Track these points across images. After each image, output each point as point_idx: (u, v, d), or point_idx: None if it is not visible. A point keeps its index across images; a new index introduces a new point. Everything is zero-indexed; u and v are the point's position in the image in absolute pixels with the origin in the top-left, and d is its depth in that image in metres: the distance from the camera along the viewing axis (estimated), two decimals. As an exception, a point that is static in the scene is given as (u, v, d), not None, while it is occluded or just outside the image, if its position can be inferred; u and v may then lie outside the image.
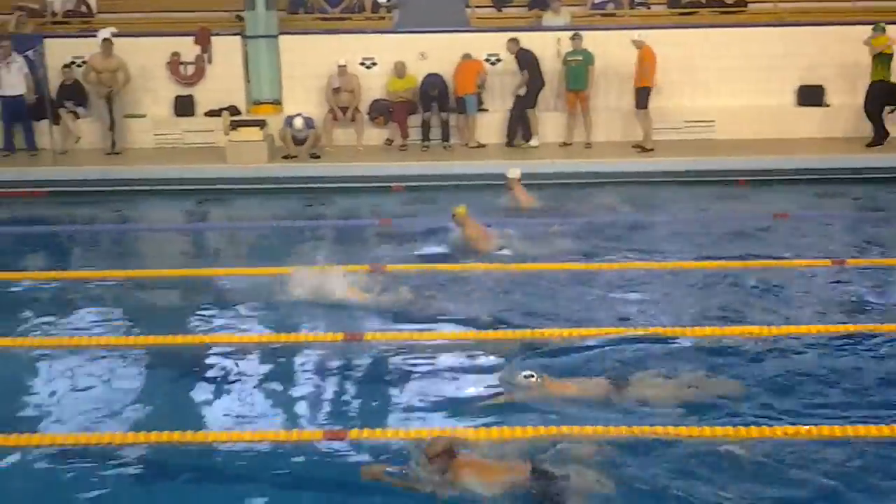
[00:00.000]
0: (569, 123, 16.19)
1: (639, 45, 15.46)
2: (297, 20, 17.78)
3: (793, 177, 14.64)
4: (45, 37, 16.41)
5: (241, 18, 16.96)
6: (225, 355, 8.30)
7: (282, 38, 16.71)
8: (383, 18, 18.06)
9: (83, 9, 18.02)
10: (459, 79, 16.03)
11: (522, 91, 16.00)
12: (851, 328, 8.55)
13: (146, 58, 16.50)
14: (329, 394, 7.64)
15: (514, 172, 12.92)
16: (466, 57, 16.11)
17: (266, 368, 8.11)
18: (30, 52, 15.63)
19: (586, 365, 7.79)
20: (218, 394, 7.68)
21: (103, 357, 8.29)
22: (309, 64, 16.41)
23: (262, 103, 16.71)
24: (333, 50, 16.35)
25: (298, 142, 15.46)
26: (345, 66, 15.99)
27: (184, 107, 16.72)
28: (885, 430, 6.70)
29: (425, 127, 16.17)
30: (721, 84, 16.60)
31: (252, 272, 10.45)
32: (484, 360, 8.09)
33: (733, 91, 16.60)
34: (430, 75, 16.17)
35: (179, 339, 8.63)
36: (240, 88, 16.78)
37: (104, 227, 13.26)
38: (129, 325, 9.18)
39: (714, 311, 9.11)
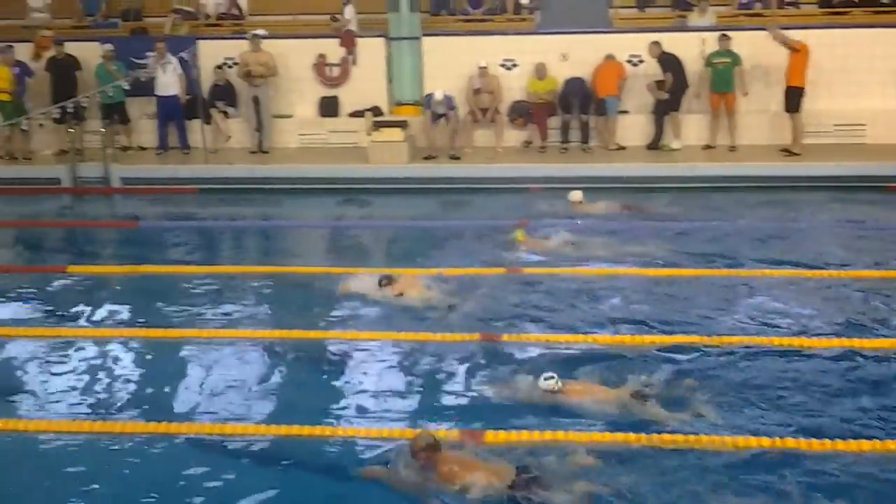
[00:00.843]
0: (712, 126, 15.85)
1: (780, 39, 14.92)
2: (440, 22, 17.98)
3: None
4: (199, 39, 16.93)
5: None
6: (356, 350, 8.55)
7: (424, 39, 16.87)
8: (525, 20, 18.10)
9: (235, 11, 18.72)
10: (600, 80, 15.88)
11: (664, 95, 15.75)
12: None
13: (293, 59, 16.94)
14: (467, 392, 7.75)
15: (575, 195, 12.94)
16: (609, 58, 15.97)
17: (405, 365, 8.26)
18: (184, 54, 16.20)
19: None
20: (353, 389, 7.88)
21: (250, 348, 8.66)
22: (450, 65, 16.50)
23: (404, 104, 16.95)
24: (475, 51, 16.42)
25: (437, 117, 15.63)
26: (486, 67, 16.05)
27: (329, 107, 17.09)
28: None
29: (565, 128, 16.12)
30: (873, 87, 15.97)
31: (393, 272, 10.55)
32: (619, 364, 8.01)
33: (885, 94, 15.96)
34: (571, 79, 16.11)
35: (318, 333, 8.96)
36: (382, 89, 17.03)
37: (251, 224, 13.80)
38: (273, 319, 9.58)
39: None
